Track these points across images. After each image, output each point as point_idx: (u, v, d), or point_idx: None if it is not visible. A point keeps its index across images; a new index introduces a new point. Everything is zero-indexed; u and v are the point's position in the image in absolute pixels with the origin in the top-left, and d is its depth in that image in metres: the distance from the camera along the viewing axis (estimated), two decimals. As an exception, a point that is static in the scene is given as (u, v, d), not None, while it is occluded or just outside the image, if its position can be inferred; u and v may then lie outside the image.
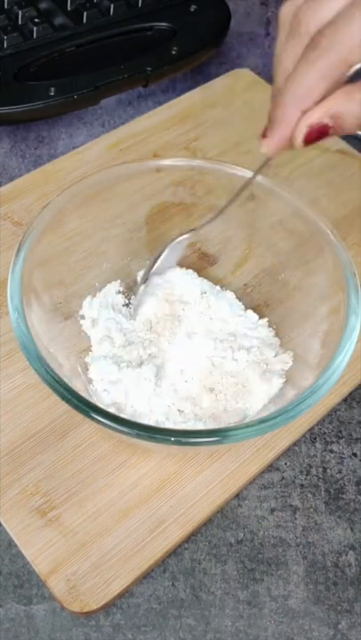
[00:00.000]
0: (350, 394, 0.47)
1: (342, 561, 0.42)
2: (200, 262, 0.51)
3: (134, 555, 0.40)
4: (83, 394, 0.37)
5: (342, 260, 0.41)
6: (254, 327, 0.47)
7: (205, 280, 0.50)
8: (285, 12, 0.36)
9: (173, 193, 0.48)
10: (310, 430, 0.46)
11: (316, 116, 0.34)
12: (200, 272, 0.50)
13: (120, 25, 0.63)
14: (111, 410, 0.41)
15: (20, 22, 0.62)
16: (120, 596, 0.39)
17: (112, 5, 0.63)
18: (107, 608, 0.39)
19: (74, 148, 0.60)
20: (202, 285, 0.49)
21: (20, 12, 0.62)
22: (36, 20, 0.61)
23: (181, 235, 0.46)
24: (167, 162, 0.47)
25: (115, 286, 0.48)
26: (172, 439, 0.35)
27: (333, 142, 0.60)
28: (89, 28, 0.62)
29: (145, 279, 0.48)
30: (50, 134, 0.62)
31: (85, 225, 0.46)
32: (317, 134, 0.35)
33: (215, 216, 0.44)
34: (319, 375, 0.38)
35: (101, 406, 0.37)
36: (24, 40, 0.61)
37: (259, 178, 0.44)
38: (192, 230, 0.46)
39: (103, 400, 0.43)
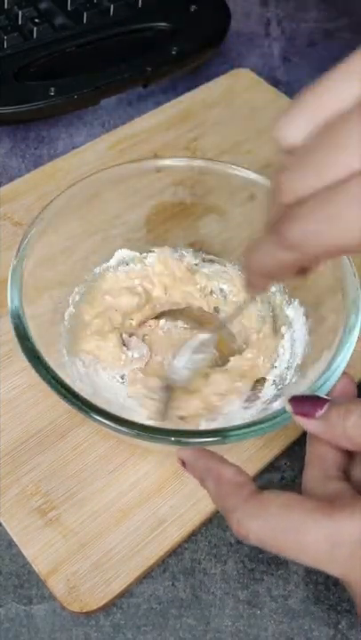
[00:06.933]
0: (350, 394, 0.47)
1: (342, 561, 0.41)
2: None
3: (134, 555, 0.40)
4: (82, 393, 0.37)
5: (342, 259, 0.41)
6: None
7: None
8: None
9: (173, 193, 0.48)
10: (310, 430, 0.46)
11: None
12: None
13: (120, 25, 0.63)
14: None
15: (20, 22, 0.62)
16: (120, 595, 0.39)
17: (112, 5, 0.63)
18: (107, 608, 0.39)
19: (74, 148, 0.60)
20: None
21: (20, 12, 0.62)
22: (36, 20, 0.61)
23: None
24: (167, 162, 0.47)
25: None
26: (173, 439, 0.35)
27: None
28: (89, 28, 0.62)
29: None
30: (50, 134, 0.62)
31: (85, 225, 0.46)
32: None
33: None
34: (319, 375, 0.38)
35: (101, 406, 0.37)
36: (24, 40, 0.61)
37: (259, 178, 0.44)
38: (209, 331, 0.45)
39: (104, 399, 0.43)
